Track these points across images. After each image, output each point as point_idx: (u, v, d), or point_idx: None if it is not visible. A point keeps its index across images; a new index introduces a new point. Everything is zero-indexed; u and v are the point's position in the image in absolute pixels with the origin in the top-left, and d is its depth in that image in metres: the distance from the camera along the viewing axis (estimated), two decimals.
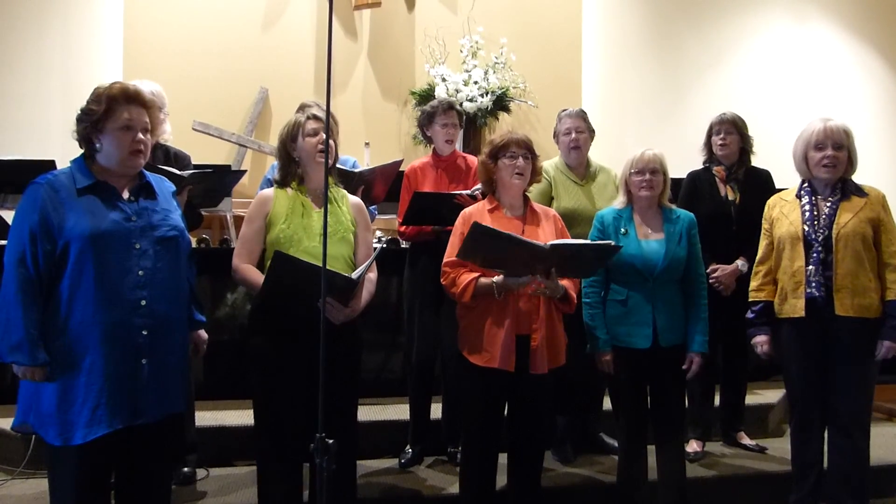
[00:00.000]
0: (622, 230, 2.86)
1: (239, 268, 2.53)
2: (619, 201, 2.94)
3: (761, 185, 3.53)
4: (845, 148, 2.82)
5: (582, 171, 3.47)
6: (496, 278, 2.57)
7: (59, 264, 2.12)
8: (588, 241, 2.66)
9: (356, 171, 3.23)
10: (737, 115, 3.59)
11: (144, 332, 2.15)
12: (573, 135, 3.41)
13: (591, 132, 3.49)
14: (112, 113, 2.19)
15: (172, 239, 2.24)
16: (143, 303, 2.15)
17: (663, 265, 2.79)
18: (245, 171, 3.30)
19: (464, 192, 3.13)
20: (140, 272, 2.16)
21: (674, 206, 2.95)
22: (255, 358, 2.50)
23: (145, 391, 2.16)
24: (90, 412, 2.08)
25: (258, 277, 2.46)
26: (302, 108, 3.20)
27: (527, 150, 2.71)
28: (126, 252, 2.15)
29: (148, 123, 2.24)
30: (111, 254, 2.12)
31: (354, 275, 2.39)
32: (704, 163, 3.64)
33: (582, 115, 3.47)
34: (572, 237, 3.19)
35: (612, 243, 2.65)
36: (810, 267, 2.78)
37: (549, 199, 3.36)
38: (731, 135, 3.53)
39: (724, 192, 3.52)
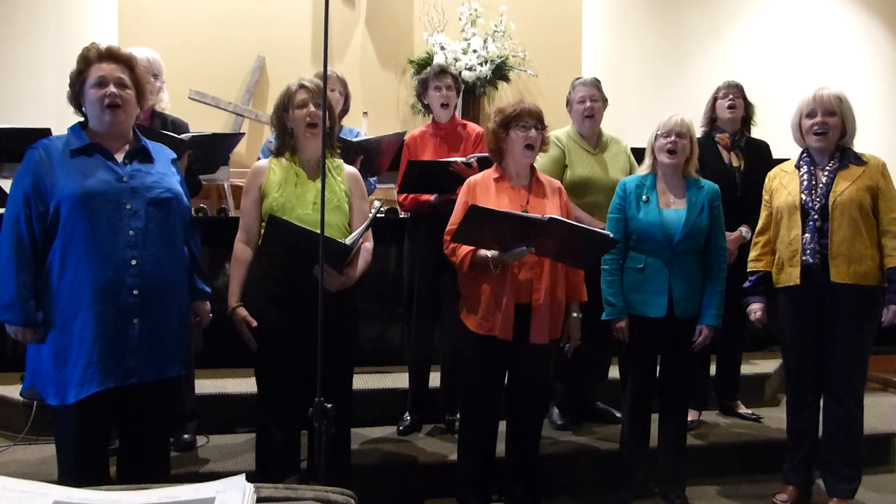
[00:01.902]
0: (644, 197, 2.84)
1: (234, 253, 2.55)
2: (645, 166, 2.93)
3: (762, 153, 3.56)
4: (837, 114, 2.81)
5: (594, 140, 3.44)
6: (492, 253, 2.56)
7: (52, 225, 2.14)
8: (586, 227, 2.64)
9: (355, 140, 3.21)
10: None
11: (135, 292, 2.15)
12: (588, 103, 3.38)
13: (605, 101, 3.46)
14: (87, 72, 2.20)
15: (165, 201, 2.23)
16: (134, 262, 2.15)
17: (682, 234, 2.77)
18: (243, 134, 3.29)
19: (459, 159, 3.11)
20: (131, 232, 2.15)
21: (699, 177, 2.92)
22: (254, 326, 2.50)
23: (137, 351, 2.16)
24: (82, 370, 2.10)
25: (238, 275, 2.51)
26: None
27: (538, 120, 2.68)
28: (116, 212, 2.14)
29: (123, 79, 2.21)
30: (101, 213, 2.12)
31: (348, 240, 2.39)
32: (703, 130, 3.61)
33: (596, 84, 3.44)
34: (586, 205, 3.19)
35: (611, 235, 2.63)
36: (806, 235, 2.77)
37: (562, 167, 3.34)
38: (738, 99, 3.54)
39: (727, 160, 3.51)
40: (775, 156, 3.55)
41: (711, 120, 3.60)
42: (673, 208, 2.83)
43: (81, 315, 2.11)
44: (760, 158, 3.51)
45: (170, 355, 2.26)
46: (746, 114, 3.58)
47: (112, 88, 2.18)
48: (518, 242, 2.51)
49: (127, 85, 2.22)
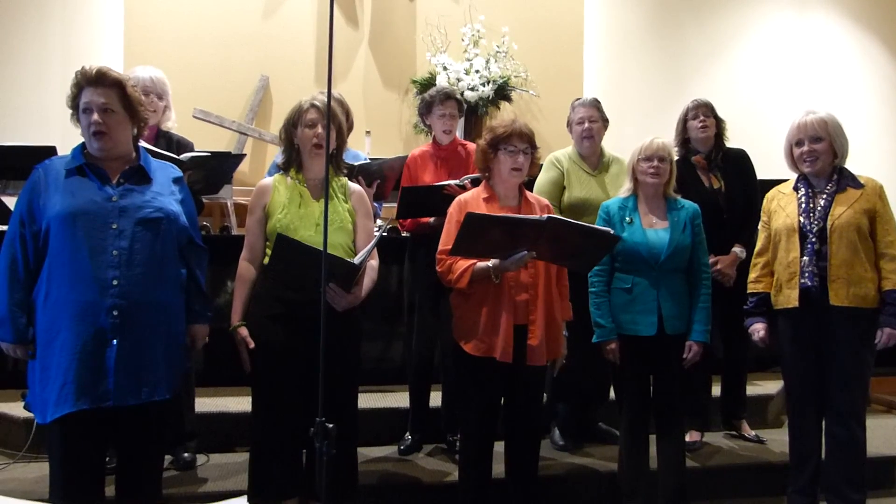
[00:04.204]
0: (627, 219, 2.87)
1: (239, 272, 2.56)
2: (626, 188, 2.95)
3: (741, 166, 3.54)
4: (825, 139, 2.82)
5: (595, 161, 3.46)
6: (492, 262, 2.55)
7: (43, 245, 2.16)
8: (586, 224, 2.62)
9: (357, 163, 3.20)
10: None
11: (115, 313, 2.13)
12: (586, 124, 3.39)
13: (605, 122, 3.47)
14: (79, 97, 2.22)
15: (155, 221, 2.22)
16: (116, 283, 2.14)
17: (668, 253, 2.80)
18: (244, 155, 3.28)
19: (452, 182, 3.12)
20: (114, 252, 2.14)
21: (678, 197, 2.95)
22: (255, 344, 2.49)
23: (116, 373, 2.13)
24: (59, 390, 2.11)
25: (241, 294, 2.52)
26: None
27: (528, 143, 2.66)
28: (101, 232, 2.14)
29: (109, 104, 2.20)
30: (85, 233, 2.13)
31: (356, 259, 2.39)
32: (679, 152, 3.52)
33: (595, 105, 3.45)
34: None
35: (612, 231, 2.64)
36: (805, 257, 2.78)
37: (560, 189, 3.35)
38: (709, 118, 3.51)
39: (707, 183, 3.48)
40: (776, 177, 3.52)
41: (685, 141, 3.54)
42: (656, 228, 2.86)
43: (62, 335, 2.12)
44: (740, 173, 3.49)
45: (154, 378, 2.21)
46: (718, 130, 3.54)
47: (95, 116, 2.18)
48: (517, 248, 2.51)
49: (113, 110, 2.21)
